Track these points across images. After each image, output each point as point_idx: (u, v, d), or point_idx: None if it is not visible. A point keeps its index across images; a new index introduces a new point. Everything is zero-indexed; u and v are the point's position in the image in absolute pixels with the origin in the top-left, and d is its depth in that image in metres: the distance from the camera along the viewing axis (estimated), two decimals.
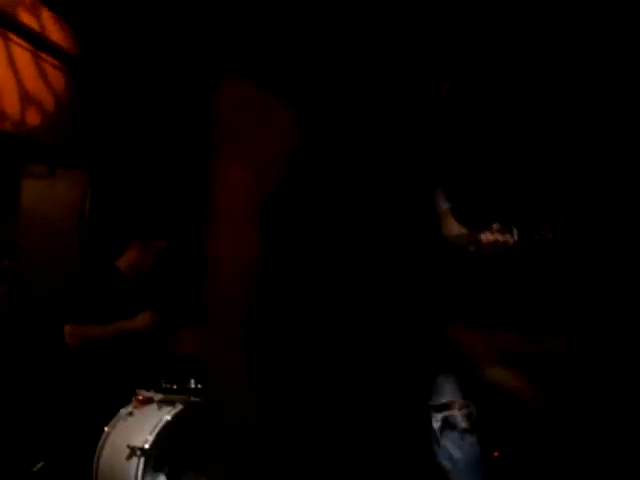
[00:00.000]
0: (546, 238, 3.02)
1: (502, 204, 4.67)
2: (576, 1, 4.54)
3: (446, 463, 3.09)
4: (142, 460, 3.46)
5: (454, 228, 3.21)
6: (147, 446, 3.47)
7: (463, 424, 3.08)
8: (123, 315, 4.25)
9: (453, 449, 3.07)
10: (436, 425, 3.09)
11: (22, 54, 4.77)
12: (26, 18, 4.76)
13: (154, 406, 3.71)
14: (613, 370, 4.81)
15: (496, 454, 4.50)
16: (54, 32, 5.06)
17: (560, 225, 3.00)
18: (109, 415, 3.79)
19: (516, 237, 3.06)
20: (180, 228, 5.10)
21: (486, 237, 3.07)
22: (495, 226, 3.08)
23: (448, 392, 3.14)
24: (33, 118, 4.90)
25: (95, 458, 3.69)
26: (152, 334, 4.32)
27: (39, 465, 4.12)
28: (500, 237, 3.06)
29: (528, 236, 3.05)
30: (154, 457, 3.51)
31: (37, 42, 4.87)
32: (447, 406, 3.11)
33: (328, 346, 3.17)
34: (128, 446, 3.51)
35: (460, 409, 3.10)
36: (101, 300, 4.24)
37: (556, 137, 4.90)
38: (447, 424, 3.08)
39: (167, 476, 3.57)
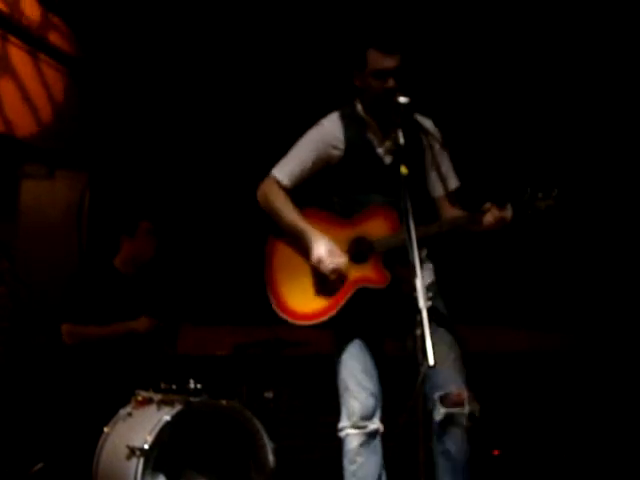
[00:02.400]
0: (540, 210, 3.01)
1: (493, 182, 4.71)
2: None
3: (441, 459, 3.06)
4: (141, 460, 3.45)
5: (453, 211, 3.22)
6: (146, 446, 3.46)
7: (465, 422, 3.05)
8: (123, 314, 4.24)
9: (451, 446, 3.04)
10: (438, 418, 3.05)
11: (21, 55, 4.78)
12: (25, 20, 4.76)
13: (153, 406, 3.70)
14: (611, 367, 4.81)
15: (496, 452, 4.51)
16: (53, 34, 5.06)
17: (555, 195, 2.99)
18: (108, 415, 3.79)
19: (511, 213, 3.05)
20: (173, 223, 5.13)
21: (487, 215, 3.06)
22: (490, 204, 3.06)
23: (448, 378, 3.04)
24: (32, 120, 4.90)
25: (95, 458, 3.69)
26: (153, 336, 4.32)
27: (39, 465, 4.12)
28: (498, 213, 3.04)
29: (522, 210, 3.04)
30: (153, 457, 3.50)
31: (36, 43, 4.87)
32: (451, 400, 3.06)
33: None
34: (127, 446, 3.51)
35: (464, 405, 3.05)
36: (99, 300, 4.24)
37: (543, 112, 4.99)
38: (450, 420, 3.04)
39: (166, 476, 3.57)
